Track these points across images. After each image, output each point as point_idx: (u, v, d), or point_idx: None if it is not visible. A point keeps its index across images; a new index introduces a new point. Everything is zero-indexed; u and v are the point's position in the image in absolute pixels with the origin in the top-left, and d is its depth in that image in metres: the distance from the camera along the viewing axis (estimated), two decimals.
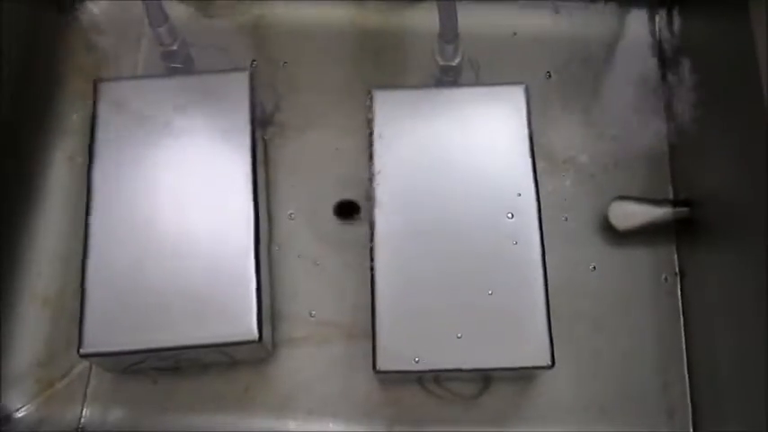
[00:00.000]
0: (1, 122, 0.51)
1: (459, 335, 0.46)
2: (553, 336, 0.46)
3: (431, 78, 0.53)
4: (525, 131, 0.50)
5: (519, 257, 0.48)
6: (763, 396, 0.42)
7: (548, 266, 0.47)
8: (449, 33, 0.49)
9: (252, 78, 0.52)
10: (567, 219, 0.55)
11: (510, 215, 0.48)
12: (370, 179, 0.49)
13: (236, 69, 0.52)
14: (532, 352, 0.46)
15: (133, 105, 0.51)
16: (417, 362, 0.46)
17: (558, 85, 0.58)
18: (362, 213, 0.55)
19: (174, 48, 0.52)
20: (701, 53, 0.53)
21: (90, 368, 0.52)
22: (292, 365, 0.52)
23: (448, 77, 0.52)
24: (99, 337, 0.46)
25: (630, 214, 0.53)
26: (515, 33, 0.59)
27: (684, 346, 0.52)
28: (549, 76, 0.58)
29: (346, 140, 0.56)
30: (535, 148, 0.50)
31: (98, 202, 0.49)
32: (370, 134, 0.50)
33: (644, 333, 0.53)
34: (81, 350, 0.46)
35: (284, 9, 0.59)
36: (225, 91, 0.51)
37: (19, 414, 0.51)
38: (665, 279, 0.54)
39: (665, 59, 0.58)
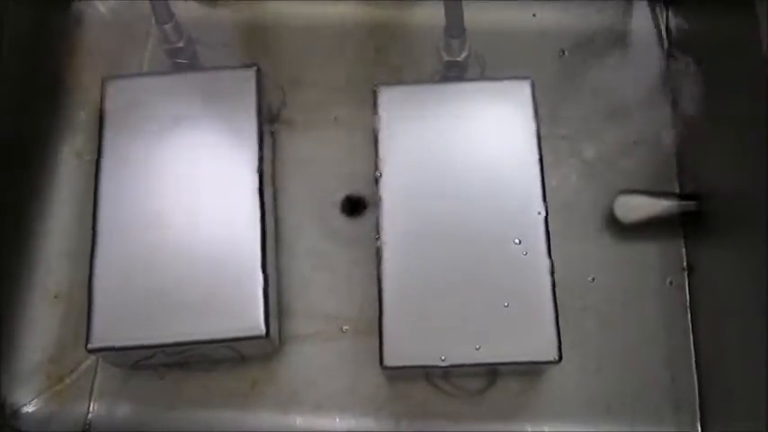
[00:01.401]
0: (9, 120, 0.51)
1: (466, 329, 0.46)
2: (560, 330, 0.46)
3: (436, 74, 0.53)
4: (532, 126, 0.50)
5: (525, 252, 0.47)
6: None
7: (554, 261, 0.47)
8: (455, 28, 0.49)
9: (258, 75, 0.52)
10: (572, 213, 0.54)
11: (516, 210, 0.48)
12: (376, 175, 0.49)
13: (242, 66, 0.52)
14: (540, 346, 0.46)
15: (140, 103, 0.51)
16: (424, 357, 0.46)
17: (563, 79, 0.58)
18: (369, 209, 0.55)
19: (181, 45, 0.52)
20: (706, 45, 0.53)
21: (97, 363, 0.52)
22: (300, 361, 0.52)
23: (453, 73, 0.52)
24: (107, 332, 0.46)
25: (636, 208, 0.53)
26: (520, 27, 0.59)
27: (692, 341, 0.52)
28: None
29: (352, 136, 0.56)
30: (541, 142, 0.50)
31: (106, 199, 0.49)
32: (376, 130, 0.50)
33: (651, 328, 0.52)
34: (89, 345, 0.46)
35: (290, 5, 0.59)
36: (232, 88, 0.51)
37: (28, 409, 0.51)
38: (671, 282, 0.53)
39: (671, 51, 0.58)
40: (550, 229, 0.48)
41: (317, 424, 0.51)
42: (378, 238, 0.48)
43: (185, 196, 0.49)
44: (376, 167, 0.49)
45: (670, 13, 0.59)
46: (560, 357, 0.46)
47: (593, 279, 0.53)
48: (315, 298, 0.53)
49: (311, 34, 0.59)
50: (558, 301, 0.47)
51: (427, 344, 0.46)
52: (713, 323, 0.51)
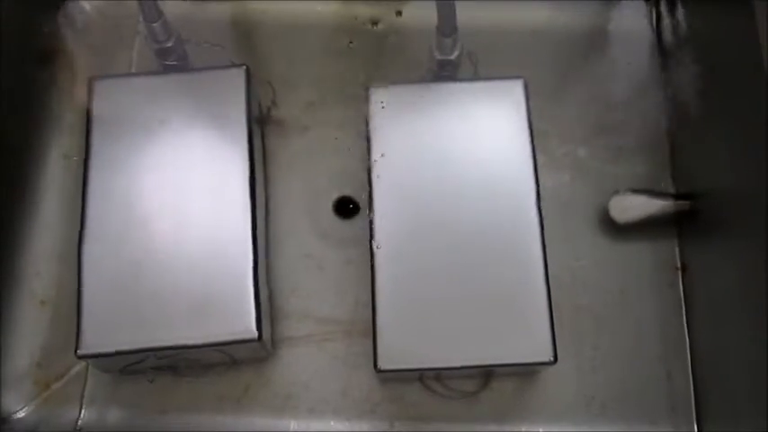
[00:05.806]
0: None
1: (460, 331, 0.46)
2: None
3: (428, 73, 0.53)
4: (525, 126, 0.50)
5: (519, 253, 0.47)
6: (767, 390, 0.41)
7: (548, 261, 0.47)
8: (447, 27, 0.48)
9: (248, 75, 0.51)
10: (567, 213, 0.54)
11: (510, 211, 0.48)
12: (369, 175, 0.49)
13: (232, 66, 0.52)
14: (535, 348, 0.46)
15: (128, 103, 0.50)
16: (419, 360, 0.46)
17: (557, 78, 0.57)
18: (362, 210, 0.54)
19: (169, 44, 0.51)
20: (701, 43, 0.53)
21: (87, 368, 0.51)
22: (293, 364, 0.51)
23: (446, 72, 0.52)
24: (96, 337, 0.46)
25: (631, 207, 0.53)
26: (513, 26, 0.59)
27: (687, 340, 0.52)
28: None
29: (344, 137, 0.55)
30: (534, 143, 0.49)
31: (94, 201, 0.48)
32: (368, 130, 0.50)
33: (646, 327, 0.52)
34: (78, 351, 0.46)
35: (280, 4, 0.59)
36: (221, 88, 0.51)
37: (17, 415, 0.51)
38: (666, 281, 0.53)
39: (665, 50, 0.58)
40: (545, 229, 0.48)
41: (311, 427, 0.50)
42: (371, 240, 0.47)
43: (175, 198, 0.48)
44: (368, 168, 0.49)
45: (665, 11, 0.58)
46: (555, 358, 0.46)
47: (588, 279, 0.53)
48: (307, 300, 0.52)
49: (302, 33, 0.58)
50: (552, 301, 0.46)
51: (421, 346, 0.46)
52: (708, 322, 0.51)
